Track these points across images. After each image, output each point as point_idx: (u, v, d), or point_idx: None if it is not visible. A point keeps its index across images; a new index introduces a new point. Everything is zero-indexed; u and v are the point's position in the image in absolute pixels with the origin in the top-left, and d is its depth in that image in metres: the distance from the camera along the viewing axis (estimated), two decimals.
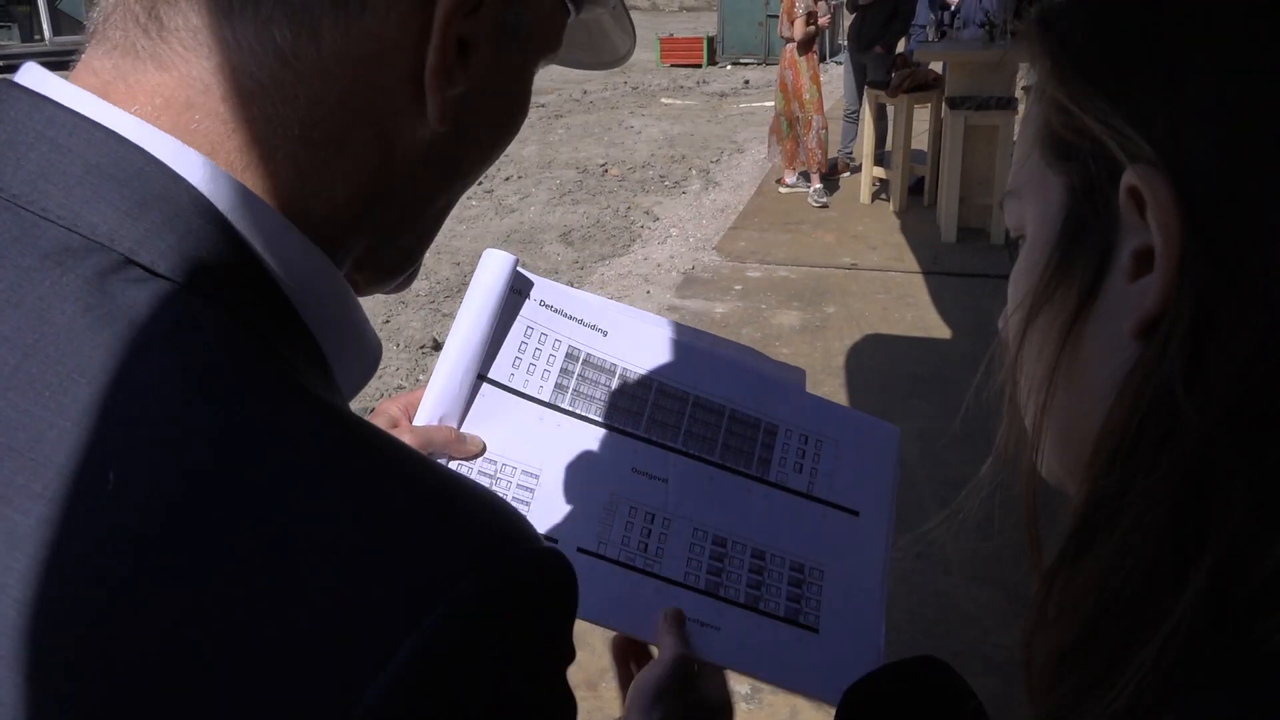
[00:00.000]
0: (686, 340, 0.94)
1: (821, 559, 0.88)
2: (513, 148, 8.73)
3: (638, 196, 7.20)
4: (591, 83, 13.59)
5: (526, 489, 0.84)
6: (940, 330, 4.55)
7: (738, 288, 5.19)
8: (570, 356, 0.89)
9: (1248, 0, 0.34)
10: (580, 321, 0.90)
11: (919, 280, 5.22)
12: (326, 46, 0.40)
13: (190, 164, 0.38)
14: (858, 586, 0.88)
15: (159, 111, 0.39)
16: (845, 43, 7.51)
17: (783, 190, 7.09)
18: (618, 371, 0.90)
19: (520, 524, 0.37)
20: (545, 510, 0.83)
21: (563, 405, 0.88)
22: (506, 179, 7.68)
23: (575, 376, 0.89)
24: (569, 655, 0.38)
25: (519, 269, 0.86)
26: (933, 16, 7.24)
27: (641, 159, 8.45)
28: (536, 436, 0.86)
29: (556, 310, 0.89)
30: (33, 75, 0.40)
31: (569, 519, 0.84)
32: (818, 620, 0.86)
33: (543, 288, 0.89)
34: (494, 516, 0.36)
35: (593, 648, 2.46)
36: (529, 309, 0.88)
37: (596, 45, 0.60)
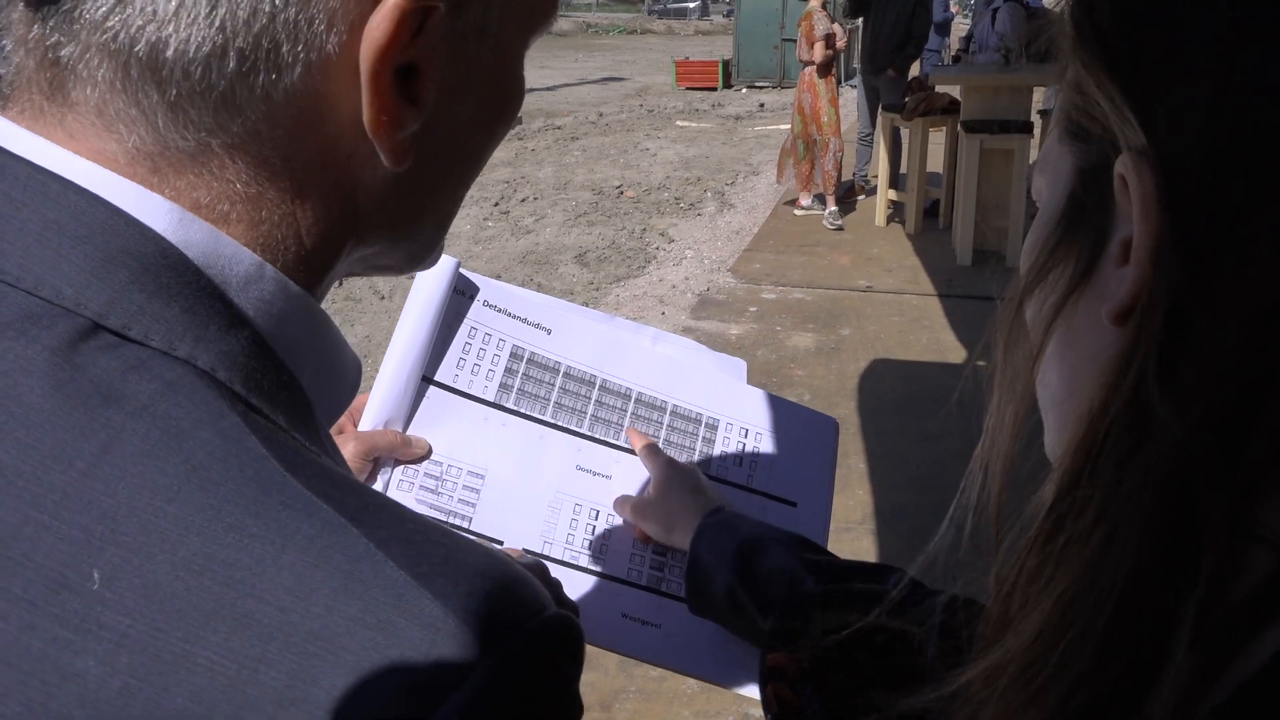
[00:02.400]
0: (628, 337, 0.95)
1: None
2: (528, 169, 8.80)
3: (653, 218, 7.23)
4: (607, 105, 13.68)
5: (472, 490, 0.84)
6: (956, 353, 4.54)
7: (753, 309, 5.19)
8: (514, 356, 0.89)
9: (1266, 5, 0.33)
10: (524, 320, 0.91)
11: (934, 303, 5.21)
12: (251, 115, 0.37)
13: (155, 211, 0.36)
14: None
15: None
16: (858, 66, 7.53)
17: (797, 213, 7.10)
18: (561, 370, 0.91)
19: (527, 592, 0.35)
20: (491, 511, 0.84)
21: (507, 405, 0.88)
22: (522, 200, 7.73)
23: (520, 376, 0.89)
24: (579, 710, 0.37)
25: (461, 271, 0.87)
26: (946, 42, 7.26)
27: (657, 181, 8.48)
28: (482, 437, 0.86)
29: (500, 310, 0.90)
30: None
31: (514, 520, 0.85)
32: None
33: (486, 288, 0.89)
34: (497, 590, 0.34)
35: (606, 669, 2.46)
36: (473, 310, 0.88)
37: None
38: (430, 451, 0.84)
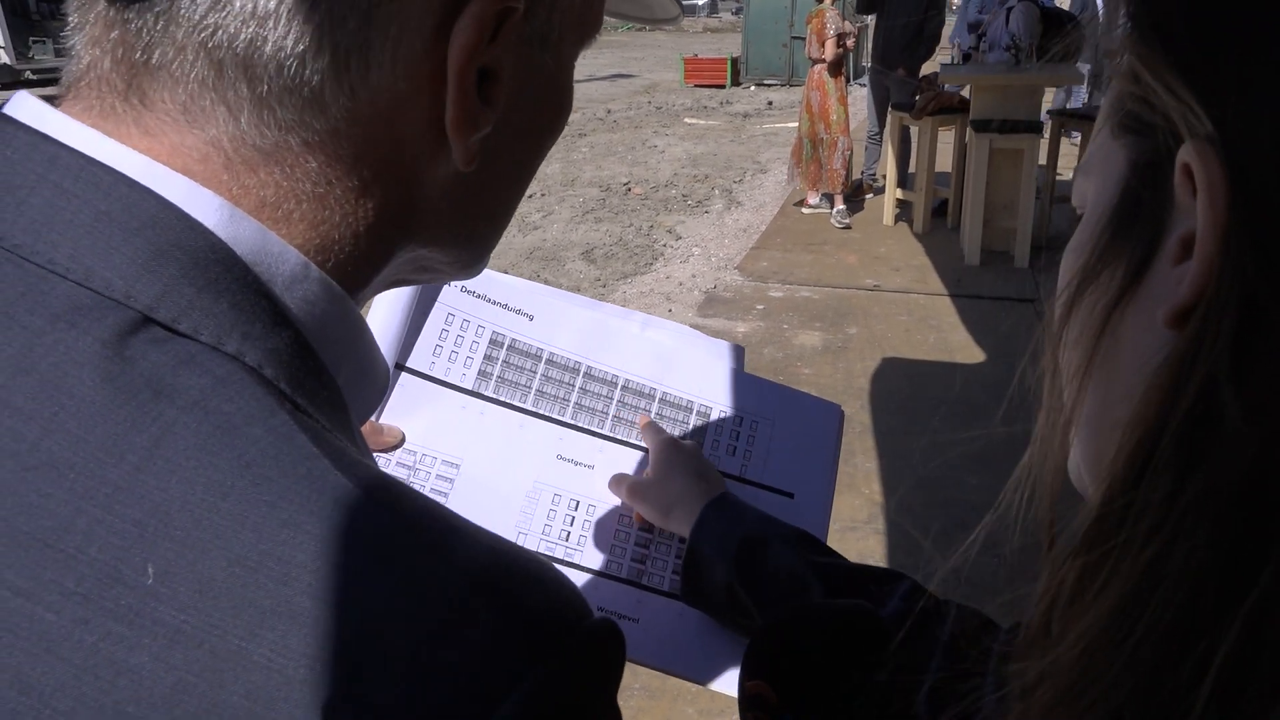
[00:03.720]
0: (616, 322, 0.91)
1: None
2: None
3: (660, 215, 7.22)
4: (615, 102, 13.67)
5: (446, 479, 0.82)
6: (962, 353, 4.53)
7: (760, 307, 5.19)
8: (494, 343, 0.87)
9: None
10: (504, 306, 0.88)
11: (941, 302, 5.20)
12: (334, 112, 0.37)
13: (205, 206, 0.36)
14: None
15: None
16: (868, 64, 7.51)
17: (805, 211, 7.09)
18: (544, 357, 0.88)
19: (573, 599, 0.35)
20: (464, 501, 0.81)
21: (486, 393, 0.85)
22: (529, 197, 7.72)
23: (499, 363, 0.86)
24: (620, 717, 0.38)
25: None
26: (971, 37, 7.20)
27: (665, 178, 8.48)
28: (458, 426, 0.84)
29: (479, 296, 0.87)
30: (27, 108, 0.37)
31: (488, 510, 0.82)
32: None
33: None
34: (547, 595, 0.35)
35: None
36: (449, 295, 0.86)
37: (645, 1, 0.56)
38: (403, 440, 0.82)
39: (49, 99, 0.38)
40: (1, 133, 0.36)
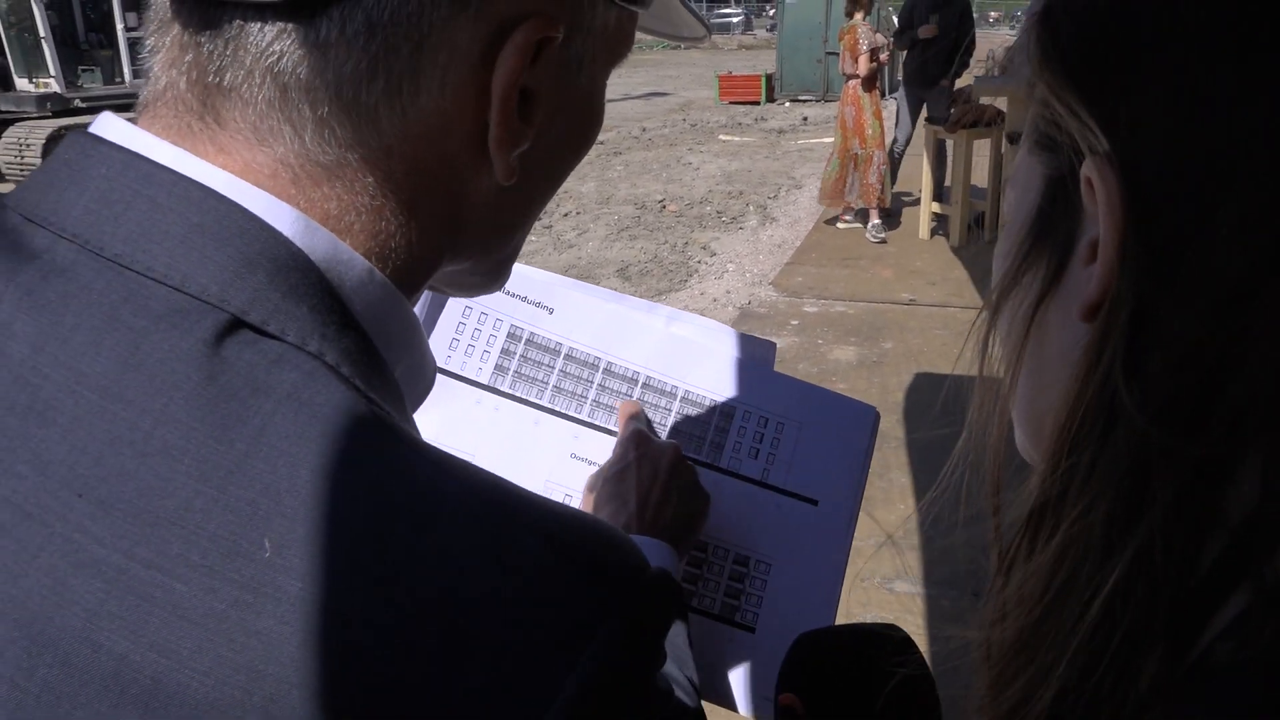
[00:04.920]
0: (640, 317, 0.88)
1: (770, 552, 0.82)
2: (571, 184, 8.85)
3: (695, 232, 7.25)
4: (650, 120, 13.74)
5: None
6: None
7: (794, 323, 5.18)
8: (512, 336, 0.84)
9: (1214, 22, 0.35)
10: (524, 299, 0.86)
11: None
12: (388, 131, 0.40)
13: (284, 217, 0.39)
14: (808, 581, 0.81)
15: None
16: (901, 79, 7.49)
17: (840, 226, 7.08)
18: (563, 352, 0.85)
19: (634, 552, 0.39)
20: None
21: (502, 388, 0.83)
22: (565, 215, 7.78)
23: (517, 358, 0.84)
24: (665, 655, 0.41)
25: None
26: None
27: (700, 195, 8.50)
28: (472, 421, 0.82)
29: None
30: (115, 128, 0.40)
31: None
32: (756, 619, 0.80)
33: None
34: (613, 550, 0.38)
35: None
36: None
37: (674, 20, 0.59)
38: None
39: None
40: (95, 151, 0.39)
